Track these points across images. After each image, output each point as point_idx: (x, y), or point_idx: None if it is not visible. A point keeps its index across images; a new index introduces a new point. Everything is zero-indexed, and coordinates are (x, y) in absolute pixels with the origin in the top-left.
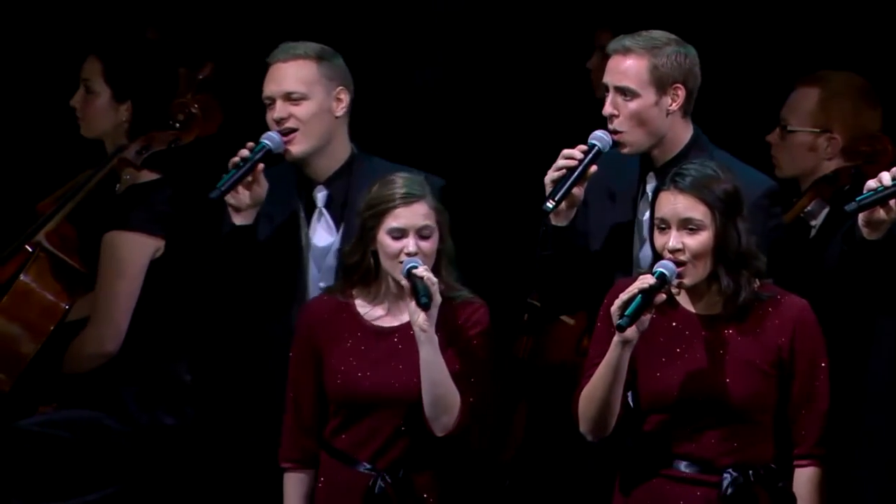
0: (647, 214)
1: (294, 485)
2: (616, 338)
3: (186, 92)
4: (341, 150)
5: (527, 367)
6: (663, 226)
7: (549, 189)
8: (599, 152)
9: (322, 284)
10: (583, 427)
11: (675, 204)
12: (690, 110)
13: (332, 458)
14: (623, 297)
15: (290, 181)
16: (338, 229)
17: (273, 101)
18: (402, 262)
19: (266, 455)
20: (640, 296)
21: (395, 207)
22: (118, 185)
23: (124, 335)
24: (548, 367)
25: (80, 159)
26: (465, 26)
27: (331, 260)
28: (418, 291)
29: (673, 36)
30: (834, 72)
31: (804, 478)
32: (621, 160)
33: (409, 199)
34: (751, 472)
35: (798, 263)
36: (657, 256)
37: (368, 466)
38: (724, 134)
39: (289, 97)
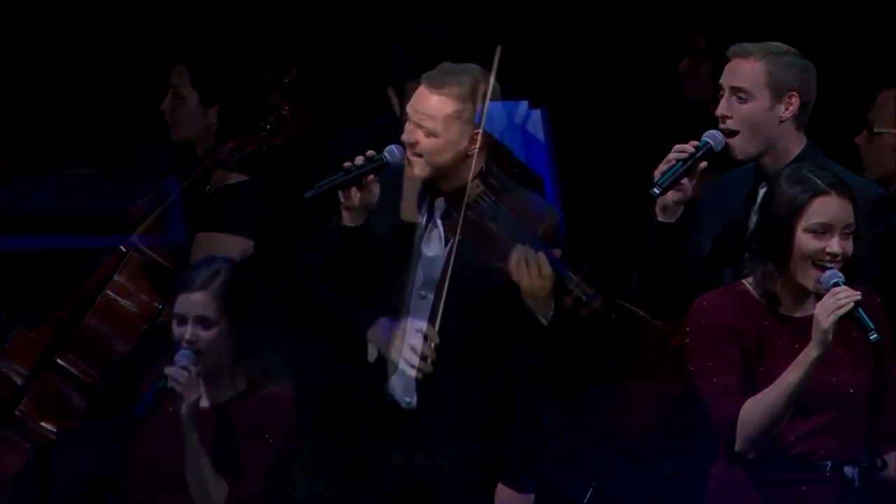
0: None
1: None
2: (816, 353)
3: (275, 95)
4: (467, 172)
5: (615, 368)
6: (823, 230)
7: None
8: (711, 149)
9: (423, 293)
10: (745, 445)
11: (839, 209)
12: (805, 122)
13: None
14: (837, 312)
15: (422, 186)
16: (446, 244)
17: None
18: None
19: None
20: (858, 309)
21: (177, 293)
22: (208, 187)
23: None
24: (637, 368)
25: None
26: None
27: (436, 271)
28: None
29: (793, 48)
30: None
31: None
32: (738, 179)
33: (189, 286)
34: (863, 462)
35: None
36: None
37: None
38: (814, 137)
39: (421, 125)
